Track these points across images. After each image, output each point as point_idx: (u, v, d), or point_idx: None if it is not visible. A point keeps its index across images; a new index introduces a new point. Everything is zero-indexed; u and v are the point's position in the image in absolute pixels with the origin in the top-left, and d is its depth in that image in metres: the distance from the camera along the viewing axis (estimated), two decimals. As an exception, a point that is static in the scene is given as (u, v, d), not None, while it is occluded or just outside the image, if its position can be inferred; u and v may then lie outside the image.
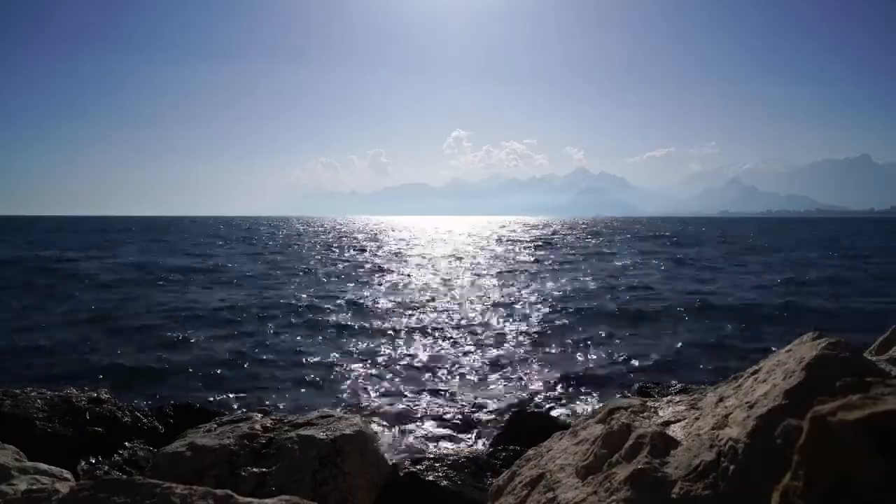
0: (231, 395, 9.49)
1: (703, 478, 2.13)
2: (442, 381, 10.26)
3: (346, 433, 4.18)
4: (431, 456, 4.62)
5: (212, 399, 9.01)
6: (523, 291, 21.59)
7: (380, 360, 11.71)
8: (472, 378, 10.46)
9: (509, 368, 11.09)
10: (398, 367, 11.19)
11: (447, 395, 9.55)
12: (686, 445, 2.33)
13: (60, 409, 5.11)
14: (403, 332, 14.40)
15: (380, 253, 43.18)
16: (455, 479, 4.27)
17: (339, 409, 8.27)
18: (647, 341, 13.33)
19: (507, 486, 2.93)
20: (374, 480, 4.18)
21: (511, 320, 15.88)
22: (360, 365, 11.32)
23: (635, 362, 11.52)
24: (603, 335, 13.94)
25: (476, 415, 8.64)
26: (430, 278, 26.21)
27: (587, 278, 26.01)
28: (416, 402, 9.17)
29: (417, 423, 8.22)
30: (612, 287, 22.87)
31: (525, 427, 5.86)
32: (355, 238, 67.98)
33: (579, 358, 11.87)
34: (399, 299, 19.59)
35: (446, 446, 7.30)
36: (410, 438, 7.68)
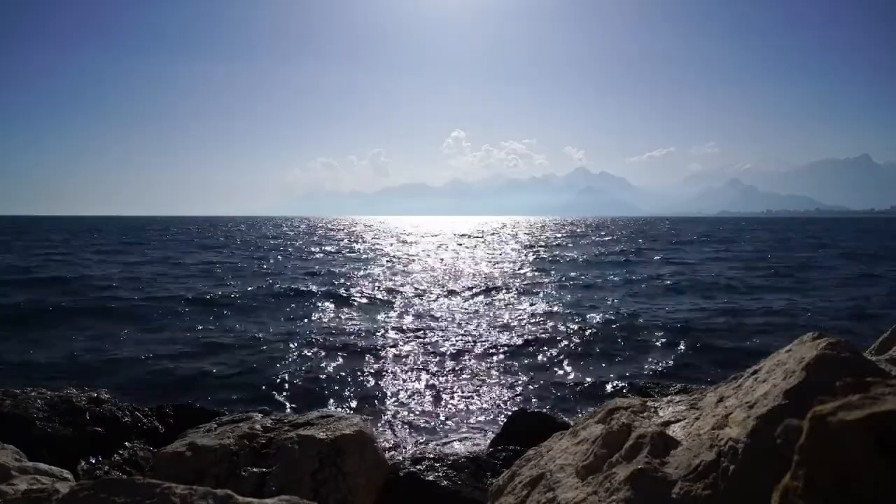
0: (231, 396, 9.49)
1: (703, 478, 2.13)
2: (442, 381, 10.26)
3: (346, 433, 4.18)
4: (431, 456, 4.62)
5: (212, 399, 9.00)
6: (523, 292, 21.59)
7: (380, 359, 11.71)
8: (472, 378, 10.46)
9: (509, 368, 11.09)
10: (398, 366, 11.18)
11: (447, 394, 9.55)
12: (686, 445, 2.33)
13: (60, 409, 5.10)
14: (404, 331, 14.40)
15: (380, 251, 43.19)
16: (455, 479, 4.27)
17: (339, 409, 8.29)
18: (647, 341, 13.33)
19: (508, 486, 2.93)
20: (374, 480, 4.18)
21: (512, 321, 15.88)
22: (361, 365, 11.32)
23: (635, 363, 11.52)
24: (603, 335, 13.93)
25: (476, 415, 8.64)
26: (430, 278, 26.20)
27: (588, 279, 26.01)
28: (416, 402, 9.17)
29: (417, 423, 8.22)
30: (612, 287, 22.87)
31: (525, 427, 5.85)
32: (362, 237, 68.03)
33: (579, 358, 11.87)
34: (399, 299, 19.59)
35: (446, 446, 7.30)
36: (410, 438, 7.69)
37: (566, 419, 6.99)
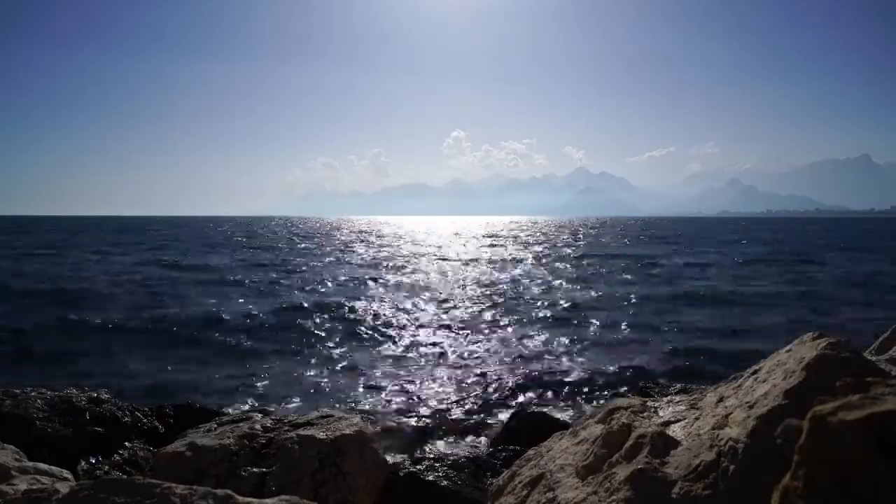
0: (231, 395, 9.49)
1: (703, 478, 2.13)
2: (442, 381, 10.26)
3: (346, 433, 4.18)
4: (431, 456, 4.62)
5: (212, 399, 8.99)
6: (524, 292, 21.59)
7: (380, 360, 11.71)
8: (472, 378, 10.46)
9: (510, 369, 11.08)
10: (398, 367, 11.18)
11: (447, 394, 9.55)
12: (686, 445, 2.33)
13: (60, 409, 5.10)
14: (403, 332, 14.39)
15: (380, 254, 43.19)
16: (455, 479, 4.27)
17: (339, 409, 8.28)
18: (646, 342, 13.33)
19: (507, 486, 2.93)
20: (374, 480, 4.18)
21: (512, 321, 15.88)
22: (361, 365, 11.32)
23: (635, 362, 11.52)
24: (603, 336, 13.93)
25: (476, 415, 8.63)
26: (429, 279, 26.20)
27: (587, 279, 26.01)
28: (417, 402, 9.17)
29: (417, 423, 8.22)
30: (612, 288, 22.87)
31: (525, 427, 5.86)
32: (361, 239, 68.02)
33: (579, 358, 11.87)
34: (398, 300, 19.58)
35: (446, 446, 7.30)
36: (410, 438, 7.68)
37: (566, 419, 6.98)
